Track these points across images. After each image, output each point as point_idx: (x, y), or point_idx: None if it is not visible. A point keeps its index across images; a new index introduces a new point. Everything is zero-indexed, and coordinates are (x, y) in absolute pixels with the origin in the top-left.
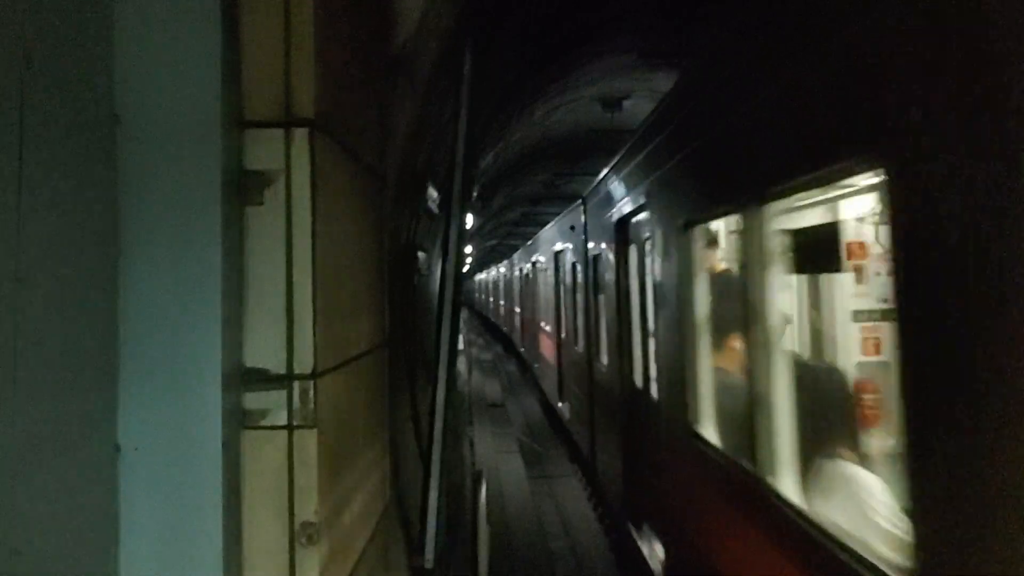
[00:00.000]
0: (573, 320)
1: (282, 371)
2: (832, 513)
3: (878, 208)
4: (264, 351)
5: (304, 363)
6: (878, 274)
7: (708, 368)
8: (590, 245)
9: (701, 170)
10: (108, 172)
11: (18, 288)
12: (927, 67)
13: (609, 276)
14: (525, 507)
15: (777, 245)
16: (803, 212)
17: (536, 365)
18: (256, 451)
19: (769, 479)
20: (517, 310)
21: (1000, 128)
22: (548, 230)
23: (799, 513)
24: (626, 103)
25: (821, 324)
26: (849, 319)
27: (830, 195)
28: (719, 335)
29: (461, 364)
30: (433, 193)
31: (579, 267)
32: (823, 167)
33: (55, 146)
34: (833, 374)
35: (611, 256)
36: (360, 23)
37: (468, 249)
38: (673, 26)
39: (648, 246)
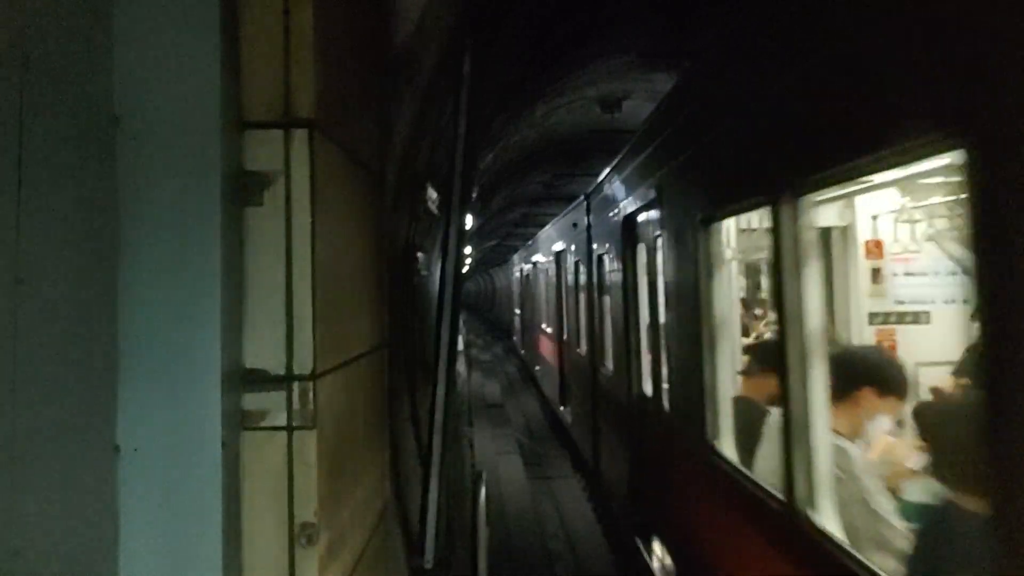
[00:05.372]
0: None
1: (281, 372)
2: None
3: None
4: (264, 352)
5: (304, 364)
6: None
7: None
8: None
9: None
10: (108, 173)
11: (18, 289)
12: None
13: None
14: (525, 507)
15: None
16: None
17: None
18: (256, 452)
19: None
20: None
21: None
22: None
23: None
24: (626, 104)
25: None
26: None
27: None
28: None
29: (461, 364)
30: (433, 194)
31: None
32: None
33: (55, 147)
34: None
35: None
36: (360, 23)
37: (468, 250)
38: (672, 26)
39: None
